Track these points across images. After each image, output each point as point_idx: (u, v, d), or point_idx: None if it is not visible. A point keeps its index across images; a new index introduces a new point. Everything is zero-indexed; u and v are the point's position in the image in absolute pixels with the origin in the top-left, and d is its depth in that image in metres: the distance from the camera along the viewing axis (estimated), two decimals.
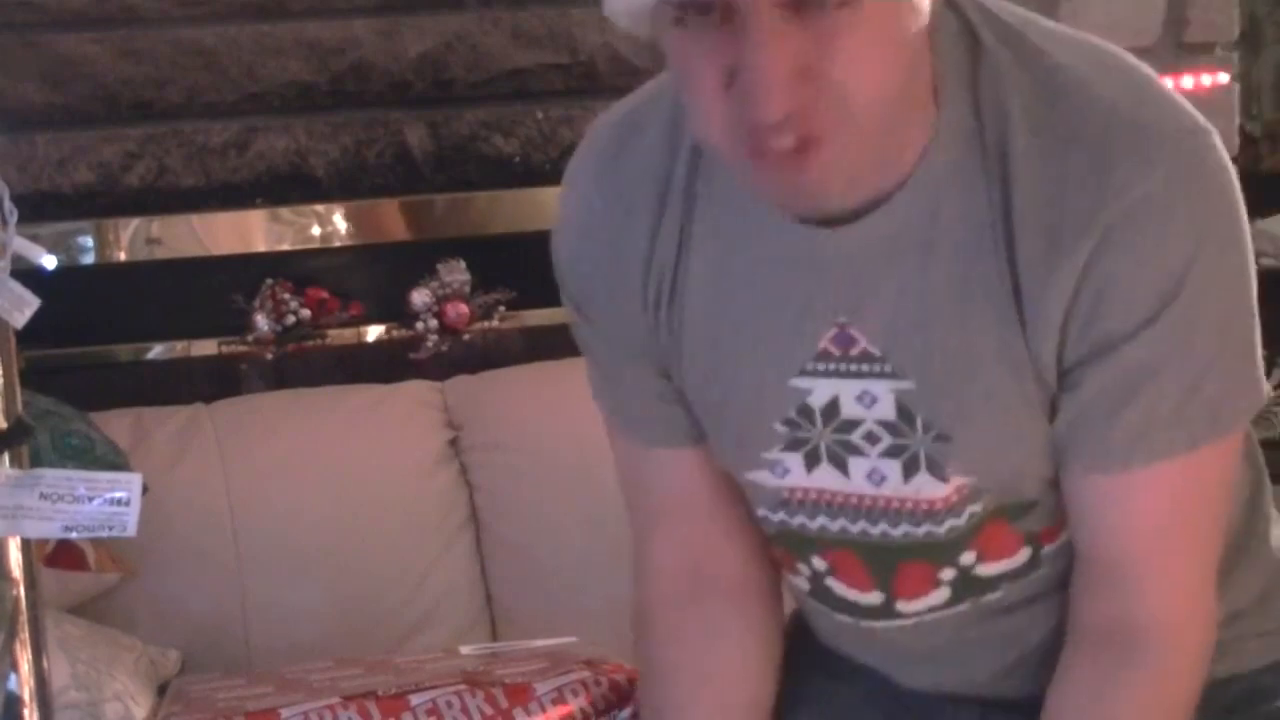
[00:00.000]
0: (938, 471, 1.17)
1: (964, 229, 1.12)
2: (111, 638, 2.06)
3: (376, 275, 2.60)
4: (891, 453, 1.18)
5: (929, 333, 1.14)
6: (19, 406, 1.32)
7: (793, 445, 1.22)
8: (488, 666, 1.93)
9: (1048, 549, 1.23)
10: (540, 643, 2.05)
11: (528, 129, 2.66)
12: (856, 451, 1.20)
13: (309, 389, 2.51)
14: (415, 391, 2.49)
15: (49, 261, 1.32)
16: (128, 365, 2.54)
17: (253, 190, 2.57)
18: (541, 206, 2.66)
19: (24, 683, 1.32)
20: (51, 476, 1.31)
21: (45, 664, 1.34)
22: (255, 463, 2.35)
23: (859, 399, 1.18)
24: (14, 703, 1.32)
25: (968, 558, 1.23)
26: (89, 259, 2.49)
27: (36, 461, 1.37)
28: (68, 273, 2.43)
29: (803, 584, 1.32)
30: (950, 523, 1.20)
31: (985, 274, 1.12)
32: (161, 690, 2.04)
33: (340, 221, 2.58)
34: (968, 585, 1.24)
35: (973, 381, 1.14)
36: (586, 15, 2.65)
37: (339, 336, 2.57)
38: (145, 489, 1.31)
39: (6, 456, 1.31)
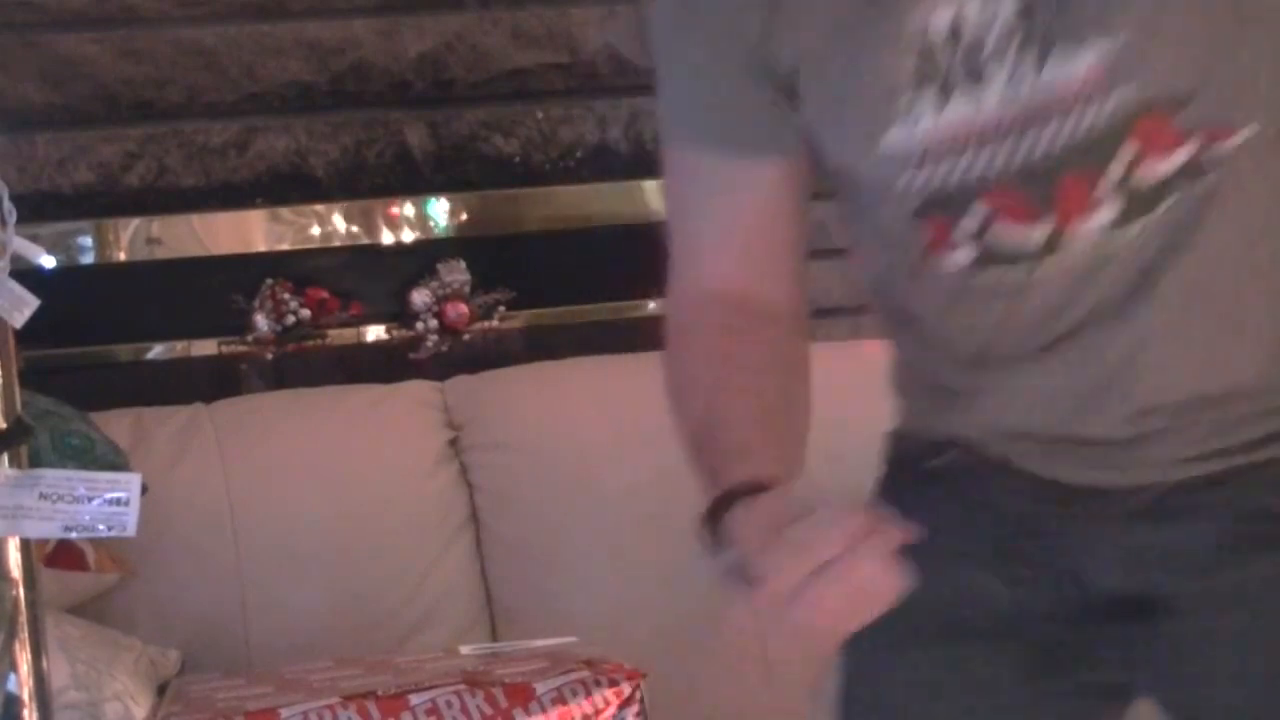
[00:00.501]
0: (1069, 50, 1.12)
1: None
2: (111, 638, 2.06)
3: (376, 275, 2.60)
4: (1021, 48, 1.14)
5: None
6: (19, 406, 1.32)
7: (921, 83, 1.17)
8: (487, 666, 1.93)
9: (1217, 149, 1.15)
10: (540, 643, 2.05)
11: (528, 129, 2.66)
12: (989, 68, 1.15)
13: (309, 389, 2.51)
14: (415, 391, 2.49)
15: (48, 261, 1.32)
16: (128, 365, 2.54)
17: (253, 190, 2.57)
18: (541, 206, 2.66)
19: (24, 683, 1.32)
20: (51, 476, 1.31)
21: (45, 664, 1.34)
22: (255, 463, 2.35)
23: (981, 9, 1.15)
24: (14, 703, 1.32)
25: (1127, 152, 1.15)
26: (89, 259, 2.49)
27: (36, 461, 1.37)
28: (68, 273, 2.43)
29: (965, 254, 1.23)
30: (1099, 108, 1.13)
31: None
32: (161, 690, 2.04)
33: (340, 221, 2.58)
34: (1134, 196, 1.16)
35: None
36: (586, 15, 2.65)
37: (339, 336, 2.57)
38: (145, 489, 1.31)
39: (6, 456, 1.31)
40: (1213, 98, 1.13)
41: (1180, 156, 1.15)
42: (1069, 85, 1.13)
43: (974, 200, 1.20)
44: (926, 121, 1.18)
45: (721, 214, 1.30)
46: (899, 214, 1.23)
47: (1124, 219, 1.17)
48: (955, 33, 1.16)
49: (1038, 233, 1.19)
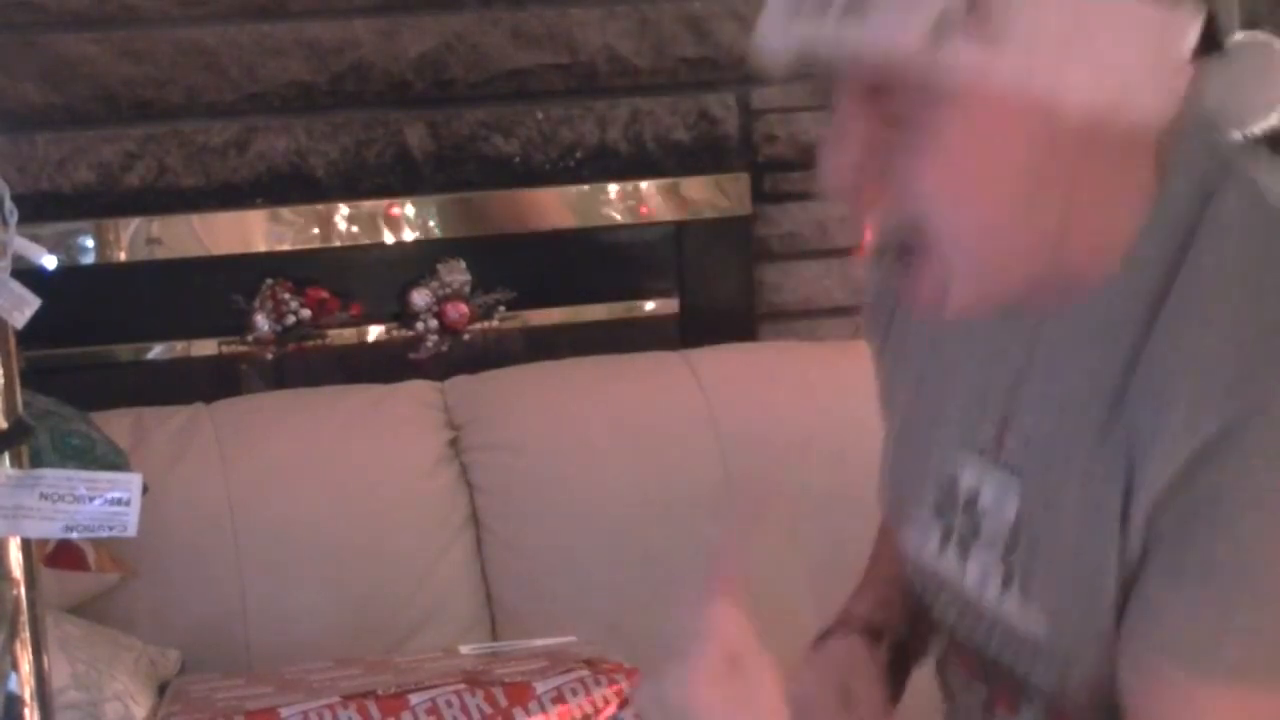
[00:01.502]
0: (1026, 597, 1.11)
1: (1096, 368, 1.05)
2: (111, 638, 2.06)
3: (376, 275, 2.60)
4: (1002, 557, 1.13)
5: (1055, 452, 1.08)
6: (19, 406, 1.32)
7: (936, 518, 1.19)
8: (487, 666, 1.93)
9: None
10: (540, 642, 2.05)
11: (528, 129, 2.66)
12: (976, 546, 1.15)
13: (309, 389, 2.51)
14: (415, 391, 2.49)
15: (49, 261, 1.32)
16: (128, 365, 2.54)
17: (253, 190, 2.57)
18: (541, 206, 2.66)
19: (24, 683, 1.32)
20: (52, 476, 1.31)
21: (45, 664, 1.34)
22: (255, 463, 2.35)
23: (997, 497, 1.13)
24: (14, 703, 1.32)
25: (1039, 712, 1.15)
26: (89, 259, 2.49)
27: (37, 461, 1.37)
28: (68, 273, 2.43)
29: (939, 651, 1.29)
30: (1030, 665, 1.13)
31: (1101, 414, 1.04)
32: (161, 690, 2.04)
33: (340, 221, 2.58)
34: None
35: (1065, 517, 1.07)
36: (586, 15, 2.65)
37: (339, 336, 2.58)
38: (145, 489, 1.31)
39: (6, 456, 1.31)
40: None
41: None
42: (1015, 626, 1.13)
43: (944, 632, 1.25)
44: (929, 553, 1.21)
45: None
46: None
47: None
48: (970, 500, 1.16)
49: (976, 692, 1.22)
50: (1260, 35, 1.04)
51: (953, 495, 1.18)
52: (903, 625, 1.33)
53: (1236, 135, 1.06)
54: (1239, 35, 1.03)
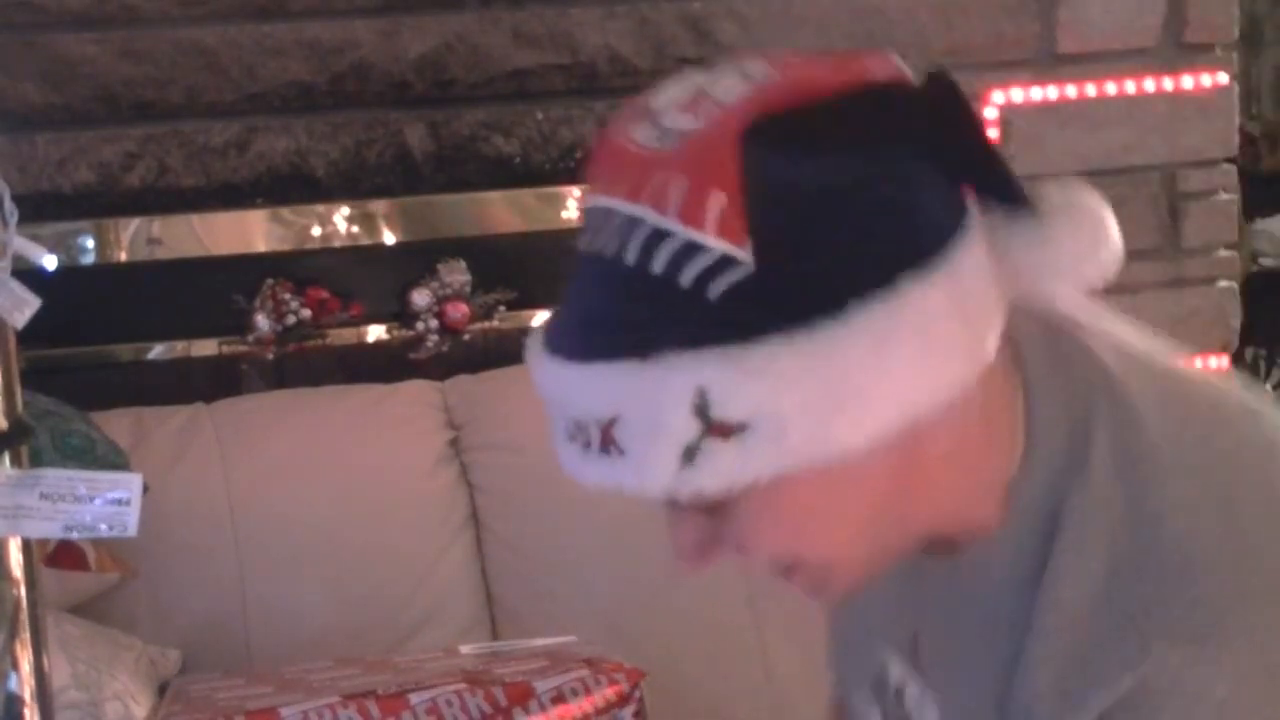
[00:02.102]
0: None
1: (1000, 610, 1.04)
2: (111, 638, 2.06)
3: (376, 275, 2.60)
4: None
5: (965, 678, 1.07)
6: (19, 406, 1.32)
7: (874, 699, 1.19)
8: (487, 665, 1.93)
9: None
10: (540, 642, 2.05)
11: (528, 129, 2.66)
12: None
13: (309, 389, 2.51)
14: (415, 391, 2.49)
15: (49, 261, 1.32)
16: (128, 365, 2.54)
17: (253, 190, 2.57)
18: (541, 206, 2.66)
19: (24, 683, 1.33)
20: (52, 476, 1.31)
21: (45, 664, 1.34)
22: (255, 463, 2.35)
23: (919, 699, 1.13)
24: (14, 702, 1.32)
25: None
26: (89, 259, 2.49)
27: (37, 461, 1.37)
28: (68, 273, 2.43)
29: None
30: None
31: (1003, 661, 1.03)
32: (161, 690, 2.04)
33: (340, 221, 2.58)
34: None
35: None
36: (586, 15, 2.65)
37: (339, 336, 2.57)
38: (145, 489, 1.31)
39: (7, 456, 1.31)
40: None
41: None
42: None
43: None
44: None
45: None
46: None
47: None
48: (899, 692, 1.15)
49: None
50: (1065, 187, 1.00)
51: (884, 683, 1.17)
52: None
53: (1074, 295, 1.02)
54: (1047, 189, 0.99)
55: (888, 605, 1.15)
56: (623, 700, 1.84)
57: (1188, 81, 2.84)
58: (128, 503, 1.30)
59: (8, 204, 1.26)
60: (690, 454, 0.92)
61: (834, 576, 1.02)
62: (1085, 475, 1.00)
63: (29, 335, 1.33)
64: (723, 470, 0.92)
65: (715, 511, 0.98)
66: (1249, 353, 3.51)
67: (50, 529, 1.30)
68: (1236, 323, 2.92)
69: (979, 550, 1.04)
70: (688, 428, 0.91)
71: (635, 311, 0.92)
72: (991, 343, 0.96)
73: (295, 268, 2.56)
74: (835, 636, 1.27)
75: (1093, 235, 0.98)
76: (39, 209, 2.45)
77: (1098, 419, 1.00)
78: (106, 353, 2.53)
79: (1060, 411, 1.01)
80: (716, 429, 0.91)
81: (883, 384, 0.91)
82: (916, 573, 1.09)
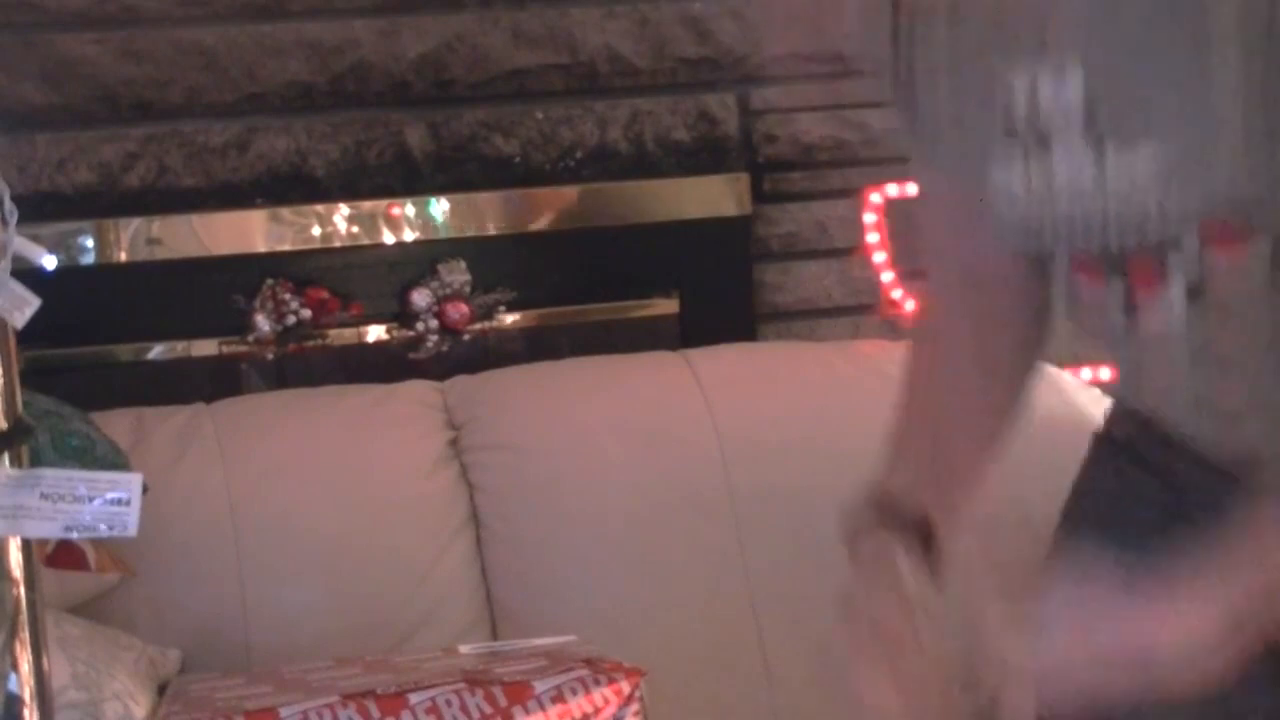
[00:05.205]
0: (1129, 149, 1.10)
1: None
2: (111, 638, 2.06)
3: (376, 275, 2.60)
4: (1084, 137, 1.12)
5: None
6: (19, 406, 1.32)
7: (1008, 141, 1.18)
8: (487, 665, 1.93)
9: None
10: (540, 642, 2.05)
11: (528, 129, 2.66)
12: (1055, 141, 1.14)
13: (309, 389, 2.51)
14: (415, 391, 2.49)
15: (49, 261, 1.32)
16: (128, 365, 2.54)
17: (253, 190, 2.57)
18: (541, 206, 2.66)
19: (24, 683, 1.32)
20: (52, 476, 1.31)
21: (45, 664, 1.34)
22: (255, 463, 2.35)
23: (1056, 85, 1.13)
24: (14, 702, 1.32)
25: (1191, 246, 1.13)
26: (89, 259, 2.49)
27: (37, 461, 1.37)
28: (68, 273, 2.43)
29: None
30: (1159, 209, 1.11)
31: None
32: (161, 690, 2.04)
33: (340, 221, 2.58)
34: (1199, 289, 1.14)
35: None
36: (586, 15, 2.65)
37: (339, 336, 2.58)
38: (146, 489, 1.31)
39: (7, 456, 1.31)
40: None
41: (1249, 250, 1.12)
42: (1125, 184, 1.12)
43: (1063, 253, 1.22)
44: (1019, 171, 1.18)
45: None
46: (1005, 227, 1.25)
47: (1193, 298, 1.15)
48: (1031, 99, 1.15)
49: (1114, 296, 1.19)
50: None
51: (1011, 113, 1.16)
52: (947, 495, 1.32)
53: None
54: None
55: (999, 20, 1.15)
56: (623, 700, 1.84)
57: None
58: (128, 503, 1.30)
59: (8, 204, 1.26)
60: None
61: None
62: None
63: (29, 335, 1.33)
64: None
65: None
66: None
67: (50, 529, 1.30)
68: None
69: None
70: None
71: None
72: None
73: (295, 268, 2.56)
74: (947, 122, 1.23)
75: None
76: (39, 209, 2.45)
77: None
78: (106, 353, 2.54)
79: None
80: None
81: None
82: None
